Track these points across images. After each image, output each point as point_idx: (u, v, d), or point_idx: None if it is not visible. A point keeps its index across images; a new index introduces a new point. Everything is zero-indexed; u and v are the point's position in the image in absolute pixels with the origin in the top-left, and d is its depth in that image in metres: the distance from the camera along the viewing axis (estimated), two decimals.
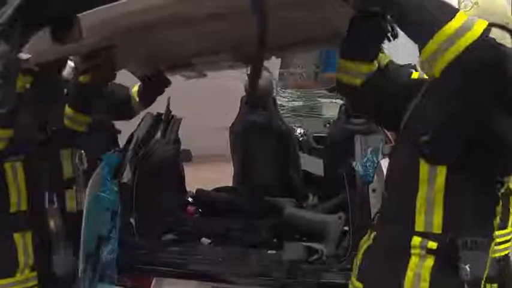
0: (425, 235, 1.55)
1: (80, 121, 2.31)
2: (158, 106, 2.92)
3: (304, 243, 2.48)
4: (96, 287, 2.47)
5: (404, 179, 1.62)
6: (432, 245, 1.54)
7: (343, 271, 2.29)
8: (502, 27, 1.56)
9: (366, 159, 2.38)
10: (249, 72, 3.86)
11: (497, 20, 1.55)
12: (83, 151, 2.70)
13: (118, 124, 3.03)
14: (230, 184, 3.70)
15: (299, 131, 4.25)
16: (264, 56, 1.90)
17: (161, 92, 2.73)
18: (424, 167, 1.56)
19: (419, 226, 1.56)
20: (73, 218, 2.64)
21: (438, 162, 1.53)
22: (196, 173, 3.76)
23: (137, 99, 2.81)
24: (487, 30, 1.37)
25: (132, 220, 2.63)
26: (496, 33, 1.47)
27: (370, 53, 1.74)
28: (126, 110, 2.88)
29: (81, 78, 2.20)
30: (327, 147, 3.63)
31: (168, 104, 2.97)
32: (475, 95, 1.41)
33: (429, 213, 1.55)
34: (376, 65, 1.75)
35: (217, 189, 3.42)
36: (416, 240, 1.56)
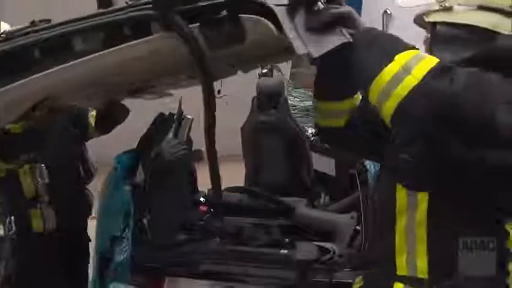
0: (409, 280, 1.31)
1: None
2: (170, 106, 2.93)
3: (316, 243, 2.48)
4: (110, 287, 2.49)
5: (383, 212, 1.40)
6: None
7: (355, 270, 2.28)
8: (498, 10, 1.30)
9: None
10: (260, 73, 3.85)
11: (494, 4, 1.30)
12: (43, 165, 2.57)
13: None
14: (242, 184, 3.70)
15: (310, 130, 4.24)
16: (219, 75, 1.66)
17: (120, 121, 2.54)
18: (401, 194, 1.31)
19: (401, 269, 1.32)
20: (41, 238, 2.57)
21: (418, 186, 1.28)
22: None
23: (93, 124, 2.68)
24: (434, 71, 1.17)
25: (144, 220, 2.65)
26: (490, 19, 1.28)
27: (351, 87, 1.49)
28: (81, 132, 2.74)
29: (12, 127, 1.99)
30: None
31: (180, 104, 2.98)
32: (431, 139, 1.20)
33: (411, 252, 1.30)
34: (360, 96, 1.52)
35: (229, 189, 3.42)
36: (398, 287, 1.32)
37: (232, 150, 4.01)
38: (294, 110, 4.10)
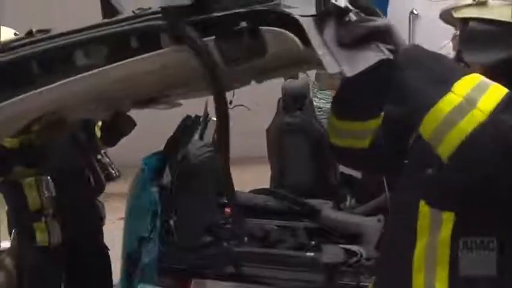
0: None
1: None
2: (195, 108, 2.95)
3: (343, 246, 2.47)
4: None
5: (402, 225, 1.30)
6: None
7: None
8: None
9: None
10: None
11: None
12: (49, 177, 2.50)
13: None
14: (268, 186, 3.70)
15: None
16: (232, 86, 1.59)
17: (125, 133, 2.48)
18: (424, 211, 1.22)
19: None
20: (46, 252, 2.51)
21: (443, 206, 1.20)
22: (235, 175, 3.77)
23: (99, 134, 2.63)
24: (503, 104, 1.08)
25: (171, 221, 2.67)
26: None
27: (381, 106, 1.36)
28: (88, 142, 2.67)
29: (8, 141, 1.93)
30: None
31: (206, 107, 3.00)
32: (495, 171, 1.12)
33: (430, 272, 1.21)
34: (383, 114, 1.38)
35: (255, 191, 3.43)
36: None
37: (259, 152, 4.01)
38: (319, 112, 4.09)
